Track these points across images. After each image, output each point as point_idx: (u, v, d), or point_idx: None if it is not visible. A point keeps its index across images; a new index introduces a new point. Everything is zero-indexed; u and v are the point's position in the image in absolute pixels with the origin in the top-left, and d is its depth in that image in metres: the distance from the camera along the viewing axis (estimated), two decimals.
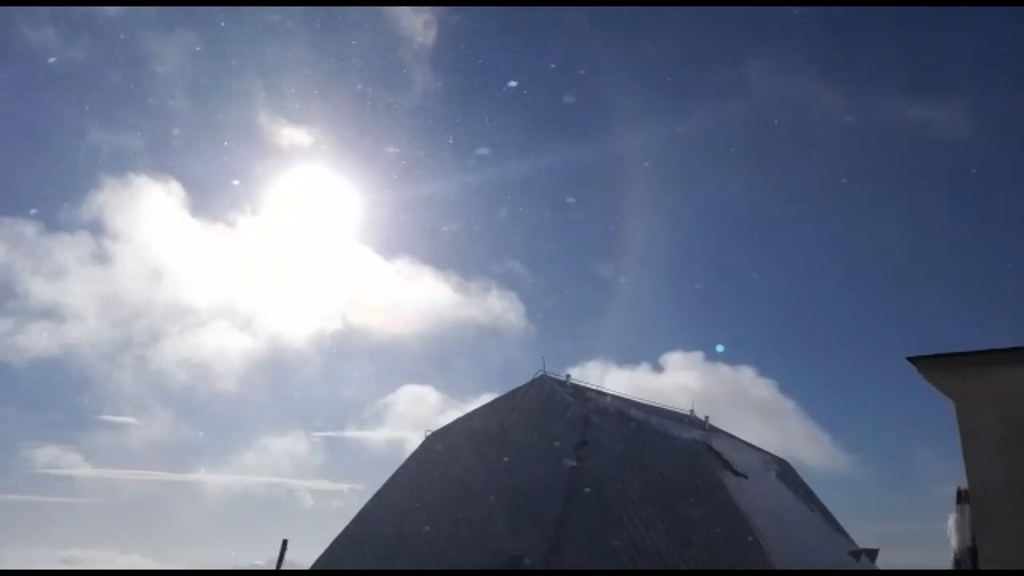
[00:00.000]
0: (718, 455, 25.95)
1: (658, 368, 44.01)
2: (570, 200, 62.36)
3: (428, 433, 26.14)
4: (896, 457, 63.88)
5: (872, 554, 25.13)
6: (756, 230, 61.88)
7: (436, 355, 62.79)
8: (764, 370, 60.74)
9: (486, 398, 26.63)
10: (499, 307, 56.46)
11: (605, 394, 26.49)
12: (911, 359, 8.56)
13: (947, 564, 9.53)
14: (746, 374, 48.55)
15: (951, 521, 9.19)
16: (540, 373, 25.45)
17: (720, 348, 55.87)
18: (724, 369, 47.99)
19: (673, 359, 45.57)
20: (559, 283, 66.45)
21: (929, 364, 8.50)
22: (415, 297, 54.27)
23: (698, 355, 48.83)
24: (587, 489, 19.27)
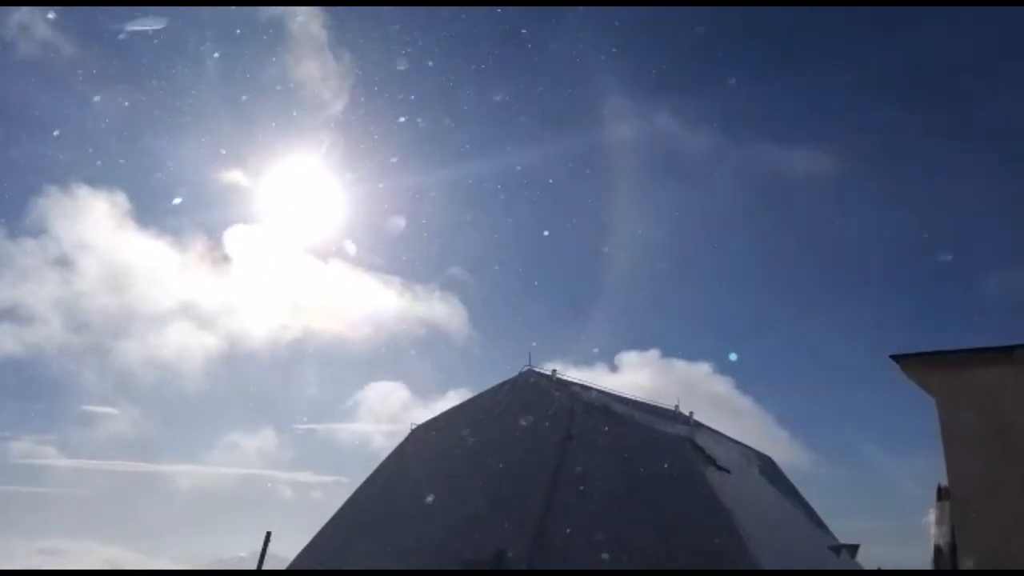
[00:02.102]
0: (701, 450, 26.05)
1: (614, 368, 44.08)
2: (516, 205, 62.78)
3: (414, 426, 26.11)
4: (857, 454, 65.11)
5: (853, 550, 25.36)
6: (706, 235, 63.22)
7: (395, 355, 63.87)
8: (721, 367, 61.86)
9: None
10: (446, 310, 57.22)
11: (590, 389, 26.55)
12: (894, 357, 8.63)
13: (927, 560, 9.64)
14: (702, 371, 48.90)
15: (931, 517, 9.29)
16: (526, 367, 25.48)
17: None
18: (680, 367, 48.28)
19: (628, 358, 45.74)
20: (511, 287, 67.41)
21: (912, 362, 8.58)
22: (368, 302, 55.30)
23: (654, 353, 48.98)
24: (571, 483, 19.34)
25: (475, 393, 26.64)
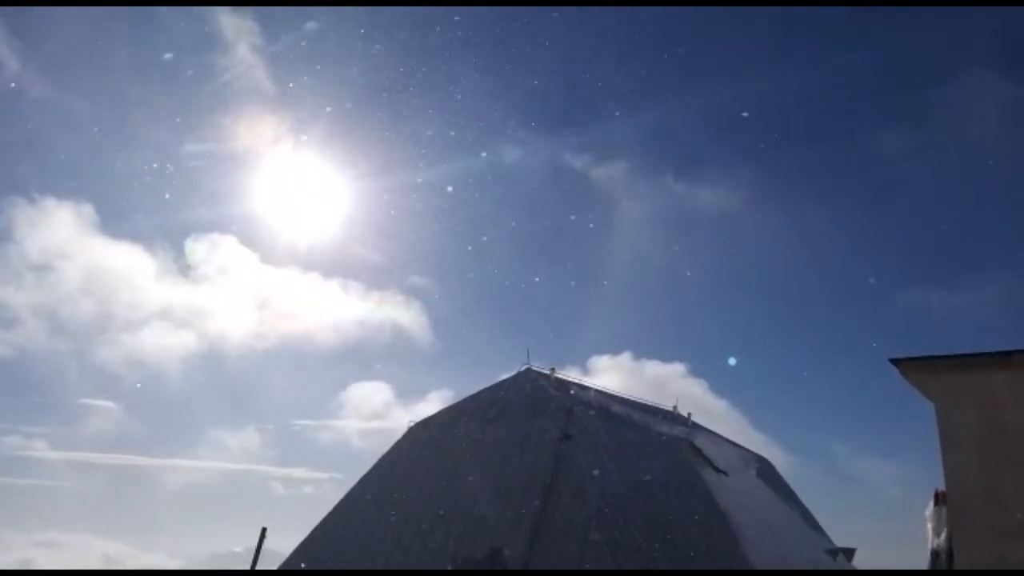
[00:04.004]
0: (699, 451, 26.09)
1: (586, 371, 44.12)
2: (478, 212, 63.34)
3: (411, 423, 26.09)
4: (837, 457, 66.26)
5: (849, 553, 25.37)
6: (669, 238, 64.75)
7: (374, 357, 64.76)
8: (696, 369, 62.69)
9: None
10: (420, 314, 57.95)
11: (588, 388, 26.56)
12: (893, 360, 8.60)
13: (923, 565, 9.60)
14: (676, 374, 48.89)
15: (928, 522, 9.25)
16: (525, 366, 25.46)
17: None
18: (653, 369, 48.28)
19: (601, 363, 45.68)
20: (481, 293, 68.38)
21: (911, 366, 8.55)
22: (345, 307, 56.42)
23: (626, 356, 49.12)
24: (569, 482, 19.33)
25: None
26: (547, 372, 25.71)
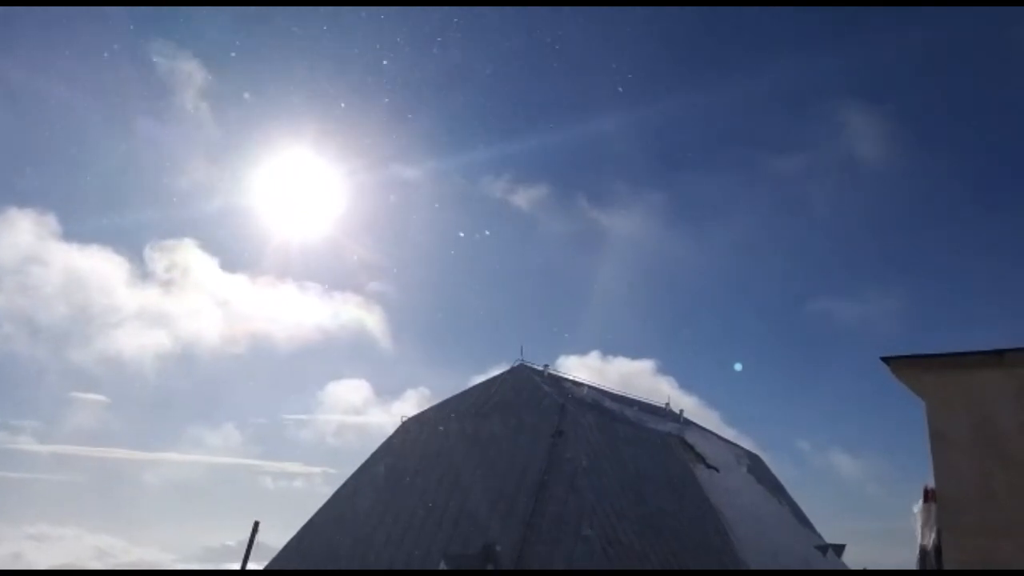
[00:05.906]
0: (691, 448, 26.19)
1: (557, 371, 44.31)
2: (440, 217, 63.87)
3: (404, 419, 26.07)
4: (808, 453, 67.48)
5: (839, 549, 25.50)
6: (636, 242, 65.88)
7: (355, 357, 65.34)
8: (664, 367, 63.84)
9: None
10: (375, 319, 58.56)
11: (582, 384, 26.62)
12: (885, 359, 8.62)
13: (912, 561, 9.67)
14: (645, 372, 48.90)
15: (917, 520, 9.31)
16: (518, 362, 25.50)
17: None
18: (621, 367, 48.37)
19: (569, 363, 45.54)
20: (450, 298, 69.05)
21: (902, 364, 8.57)
22: (314, 310, 57.32)
23: (594, 355, 49.32)
24: (561, 478, 19.37)
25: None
26: (540, 368, 25.76)
